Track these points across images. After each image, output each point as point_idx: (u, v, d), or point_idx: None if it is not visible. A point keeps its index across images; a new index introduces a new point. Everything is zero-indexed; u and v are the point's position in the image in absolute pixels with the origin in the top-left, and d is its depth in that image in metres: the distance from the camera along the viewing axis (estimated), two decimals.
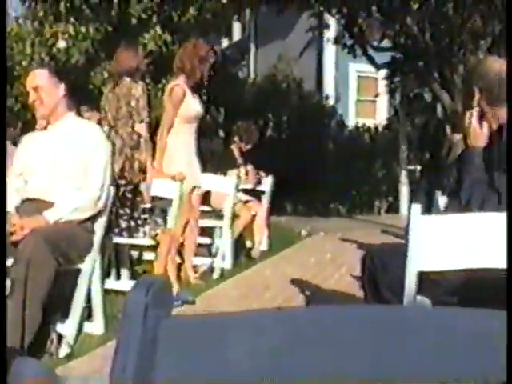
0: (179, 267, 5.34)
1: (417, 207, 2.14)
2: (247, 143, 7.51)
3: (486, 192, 2.79)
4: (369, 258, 2.95)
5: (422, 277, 2.36)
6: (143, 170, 5.24)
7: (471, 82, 3.05)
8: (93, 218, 3.90)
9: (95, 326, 4.07)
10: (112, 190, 4.13)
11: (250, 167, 7.33)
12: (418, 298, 2.20)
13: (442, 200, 3.20)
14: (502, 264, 2.10)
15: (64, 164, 3.85)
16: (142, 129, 5.25)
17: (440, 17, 8.83)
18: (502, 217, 2.17)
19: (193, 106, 5.58)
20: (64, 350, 3.71)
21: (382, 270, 2.84)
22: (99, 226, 3.94)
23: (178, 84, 5.50)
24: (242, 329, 1.04)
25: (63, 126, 3.97)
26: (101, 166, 3.89)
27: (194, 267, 5.77)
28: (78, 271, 3.89)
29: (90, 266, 3.92)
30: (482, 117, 3.02)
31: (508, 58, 3.24)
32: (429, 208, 3.23)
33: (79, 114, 4.54)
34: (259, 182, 7.41)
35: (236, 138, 7.48)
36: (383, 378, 0.99)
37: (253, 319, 1.07)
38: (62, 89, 3.97)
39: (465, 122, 3.05)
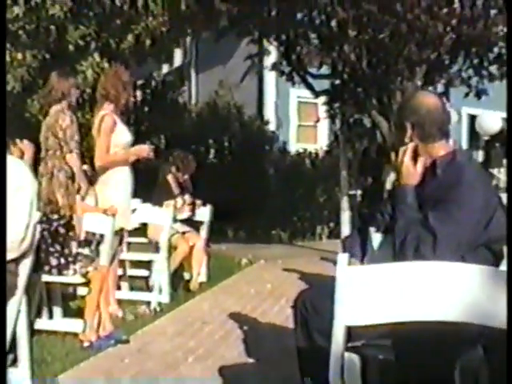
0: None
1: (343, 257, 2.05)
2: (184, 173, 7.39)
3: (421, 232, 2.73)
4: (300, 300, 2.86)
5: None
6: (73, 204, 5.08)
7: (403, 117, 3.00)
8: (17, 260, 3.72)
9: (20, 372, 3.88)
10: (38, 228, 3.96)
11: (186, 197, 7.20)
12: (346, 355, 2.11)
13: (376, 238, 3.13)
14: (437, 316, 2.02)
15: None
16: (71, 160, 5.09)
17: (376, 44, 8.89)
18: (435, 266, 2.12)
19: (123, 134, 5.49)
20: None
21: (313, 312, 2.75)
22: (24, 267, 3.76)
23: (108, 113, 5.40)
24: None
25: None
26: (25, 205, 3.71)
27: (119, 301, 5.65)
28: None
29: (14, 308, 3.74)
30: (415, 153, 2.98)
31: (508, 61, 3.21)
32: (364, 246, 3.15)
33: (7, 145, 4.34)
34: (193, 213, 7.25)
35: (173, 168, 7.34)
36: None
37: None
38: None
39: (397, 158, 3.01)
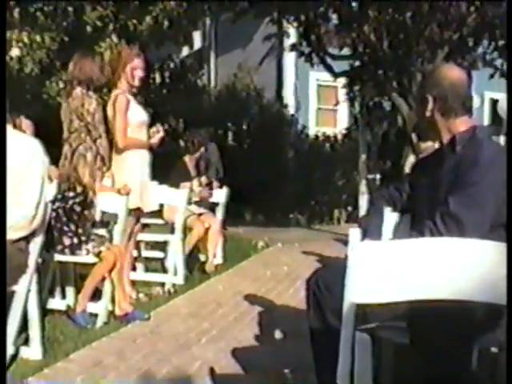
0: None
1: (355, 232, 1.96)
2: (199, 146, 7.35)
3: (443, 218, 2.62)
4: (313, 279, 2.78)
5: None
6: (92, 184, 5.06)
7: (425, 90, 2.89)
8: (27, 237, 3.68)
9: (32, 351, 3.84)
10: (52, 206, 3.92)
11: (203, 179, 7.15)
12: (357, 334, 2.03)
13: (392, 218, 3.04)
14: (452, 295, 1.93)
15: None
16: (102, 144, 5.10)
17: (397, 25, 8.75)
18: (449, 242, 2.02)
19: (138, 113, 5.44)
20: None
21: (326, 292, 2.67)
22: (34, 245, 3.72)
23: (120, 92, 5.34)
24: None
25: None
26: (37, 182, 3.66)
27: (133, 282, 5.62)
28: (13, 293, 3.67)
29: (24, 287, 3.70)
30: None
31: (508, 59, 3.09)
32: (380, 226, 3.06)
33: (15, 125, 4.30)
34: (210, 195, 7.22)
35: (189, 144, 7.30)
36: None
37: None
38: None
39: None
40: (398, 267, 1.95)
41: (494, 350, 2.61)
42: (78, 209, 4.82)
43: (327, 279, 2.67)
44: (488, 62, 9.40)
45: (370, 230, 2.85)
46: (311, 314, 2.75)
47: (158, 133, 5.67)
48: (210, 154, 11.07)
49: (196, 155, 7.40)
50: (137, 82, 5.42)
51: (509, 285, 1.88)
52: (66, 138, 5.14)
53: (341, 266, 2.12)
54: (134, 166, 5.42)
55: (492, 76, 9.62)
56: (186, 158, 7.31)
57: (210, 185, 7.22)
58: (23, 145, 3.78)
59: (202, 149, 7.48)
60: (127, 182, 5.24)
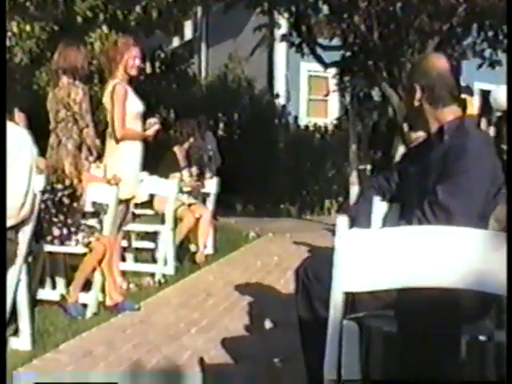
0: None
1: (343, 220, 1.96)
2: (188, 136, 7.34)
3: (431, 207, 2.63)
4: (302, 268, 2.79)
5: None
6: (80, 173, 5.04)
7: (413, 80, 2.89)
8: (17, 227, 3.67)
9: (21, 342, 3.84)
10: (41, 197, 3.91)
11: (193, 169, 7.14)
12: (345, 322, 2.03)
13: (381, 207, 3.04)
14: (440, 283, 1.94)
15: None
16: (89, 133, 5.08)
17: (388, 16, 8.75)
18: (437, 230, 2.02)
19: (135, 103, 5.43)
20: None
21: (315, 281, 2.68)
22: (23, 235, 3.71)
23: (118, 81, 5.31)
24: None
25: None
26: (24, 171, 3.65)
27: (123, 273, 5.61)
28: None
29: (14, 277, 3.69)
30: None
31: (508, 58, 3.10)
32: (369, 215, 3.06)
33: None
34: (202, 185, 7.22)
35: (177, 135, 7.30)
36: None
37: None
38: None
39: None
40: (385, 255, 1.95)
41: (482, 338, 2.62)
42: (66, 201, 4.81)
43: (316, 268, 2.67)
44: (478, 52, 9.42)
45: (359, 219, 2.85)
46: (300, 302, 2.75)
47: (155, 125, 5.67)
48: (208, 142, 11.12)
49: (185, 145, 7.39)
50: (134, 72, 5.40)
51: (509, 283, 1.88)
52: (52, 129, 5.12)
53: (330, 255, 2.12)
54: (130, 157, 5.41)
55: (480, 66, 9.63)
56: (176, 149, 7.30)
57: (200, 175, 7.21)
58: (11, 135, 3.77)
59: (192, 139, 7.47)
60: (123, 173, 5.24)
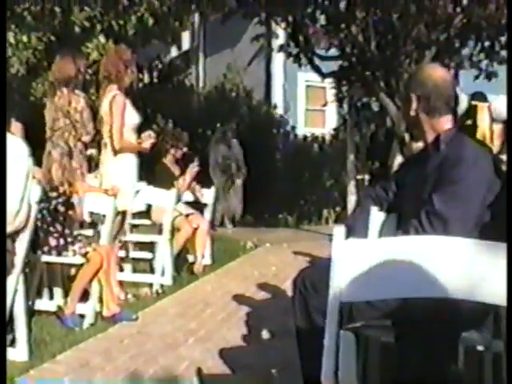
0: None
1: (340, 230, 1.96)
2: (178, 148, 7.31)
3: (429, 216, 2.63)
4: (300, 278, 2.78)
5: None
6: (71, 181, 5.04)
7: (410, 89, 2.91)
8: (13, 236, 3.66)
9: (18, 352, 3.82)
10: (37, 207, 3.90)
11: (187, 176, 7.08)
12: (342, 333, 2.02)
13: (378, 217, 3.04)
14: (437, 293, 1.93)
15: None
16: (88, 141, 5.11)
17: (385, 26, 8.77)
18: (433, 240, 2.02)
19: (133, 115, 5.44)
20: None
21: (312, 291, 2.67)
22: (20, 244, 3.71)
23: (118, 93, 5.32)
24: None
25: None
26: (21, 178, 3.66)
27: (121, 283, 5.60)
28: None
29: (11, 287, 3.68)
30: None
31: (508, 58, 3.11)
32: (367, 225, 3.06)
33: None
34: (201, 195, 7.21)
35: (167, 146, 7.25)
36: None
37: None
38: None
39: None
40: (382, 265, 1.95)
41: (479, 348, 2.61)
42: (61, 209, 4.81)
43: (314, 278, 2.67)
44: (474, 63, 9.43)
45: (356, 229, 2.85)
46: (297, 313, 2.75)
47: (150, 138, 5.69)
48: (233, 150, 11.10)
49: (177, 154, 7.31)
50: (132, 81, 5.41)
51: (509, 285, 1.88)
52: (48, 137, 5.13)
53: (327, 265, 2.12)
54: (122, 168, 5.41)
55: (477, 77, 9.64)
56: (166, 161, 7.26)
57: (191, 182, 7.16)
58: (8, 145, 3.77)
59: (185, 148, 7.41)
60: (120, 184, 5.24)
